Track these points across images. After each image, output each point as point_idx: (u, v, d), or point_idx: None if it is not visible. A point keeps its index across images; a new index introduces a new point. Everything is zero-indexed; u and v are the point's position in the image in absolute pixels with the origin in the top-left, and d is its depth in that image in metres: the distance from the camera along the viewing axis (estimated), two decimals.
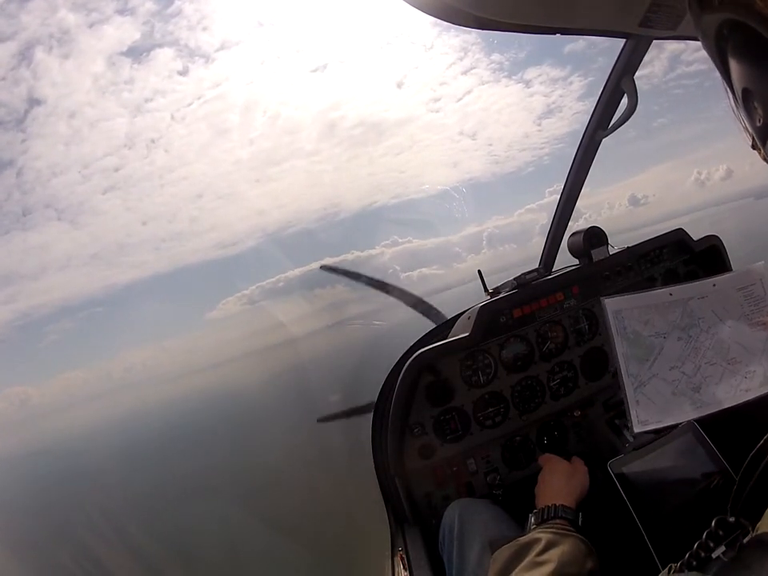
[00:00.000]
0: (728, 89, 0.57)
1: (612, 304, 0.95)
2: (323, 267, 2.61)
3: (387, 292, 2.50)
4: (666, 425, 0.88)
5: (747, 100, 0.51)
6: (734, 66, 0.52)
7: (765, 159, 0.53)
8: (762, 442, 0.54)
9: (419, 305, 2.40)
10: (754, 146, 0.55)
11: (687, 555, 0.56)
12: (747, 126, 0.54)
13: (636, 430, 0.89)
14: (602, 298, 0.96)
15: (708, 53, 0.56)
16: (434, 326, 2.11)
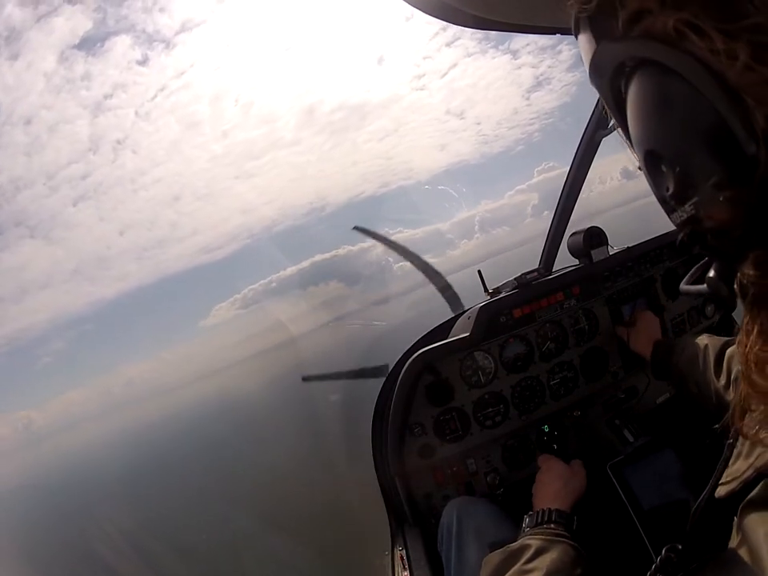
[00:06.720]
0: (624, 137, 0.45)
1: None
2: (356, 228, 2.45)
3: (417, 267, 2.43)
4: None
5: (653, 163, 0.40)
6: (636, 117, 0.40)
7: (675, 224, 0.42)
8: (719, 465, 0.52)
9: (446, 290, 2.33)
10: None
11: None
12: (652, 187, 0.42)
13: None
14: None
15: (598, 89, 0.45)
16: (452, 314, 2.09)
